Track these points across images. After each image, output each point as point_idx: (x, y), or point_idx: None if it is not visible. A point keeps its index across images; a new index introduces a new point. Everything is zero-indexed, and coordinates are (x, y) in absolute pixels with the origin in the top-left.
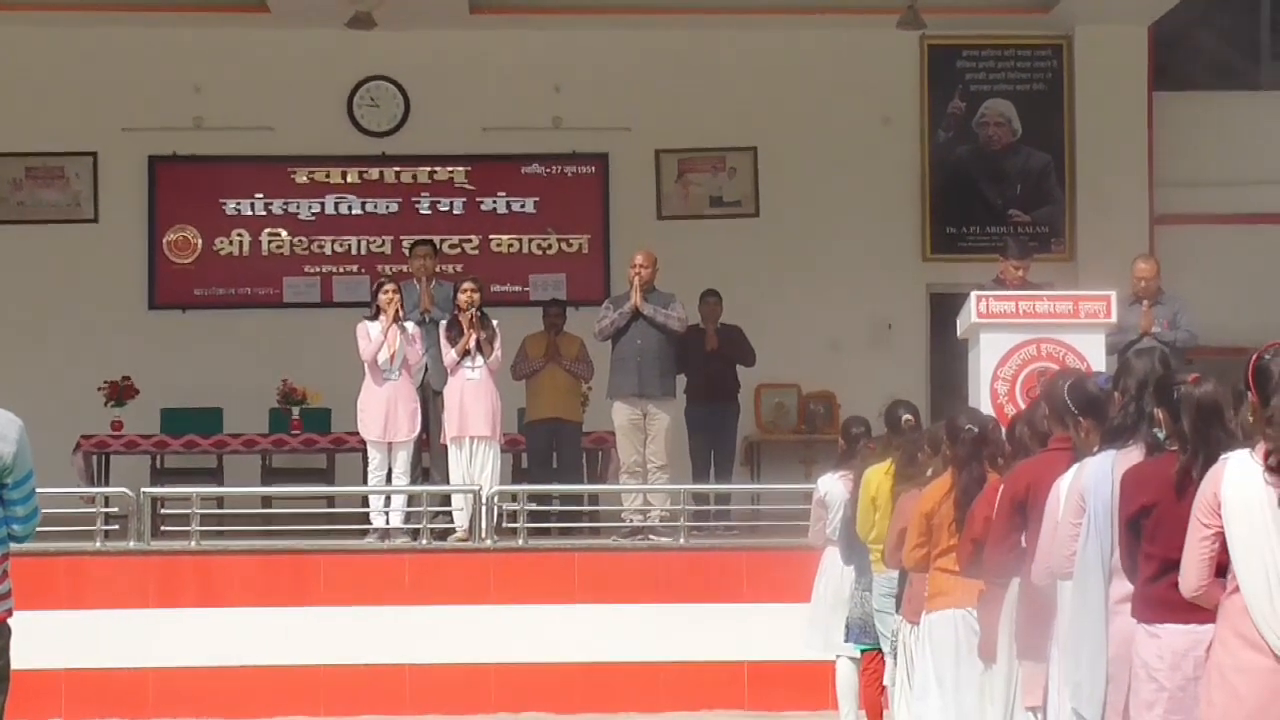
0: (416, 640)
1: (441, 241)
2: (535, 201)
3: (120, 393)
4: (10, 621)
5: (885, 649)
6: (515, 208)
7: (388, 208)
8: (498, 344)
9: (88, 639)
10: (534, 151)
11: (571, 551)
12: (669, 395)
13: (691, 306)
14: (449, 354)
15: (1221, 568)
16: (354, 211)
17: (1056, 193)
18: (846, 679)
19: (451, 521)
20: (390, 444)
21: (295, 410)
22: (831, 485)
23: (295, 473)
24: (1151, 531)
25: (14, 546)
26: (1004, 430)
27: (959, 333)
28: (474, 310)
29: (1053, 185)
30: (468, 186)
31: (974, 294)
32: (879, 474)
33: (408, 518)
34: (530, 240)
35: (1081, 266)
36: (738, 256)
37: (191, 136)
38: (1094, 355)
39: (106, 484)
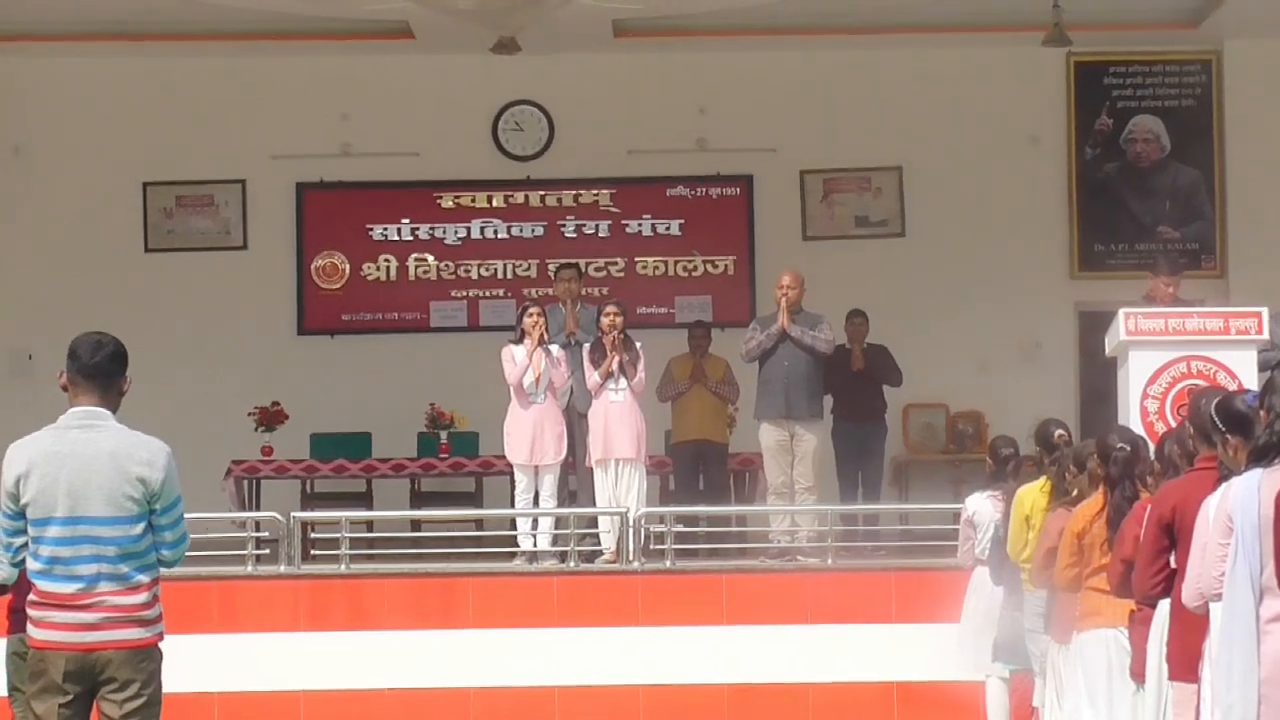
0: (565, 662)
1: (587, 264)
2: (680, 223)
3: (270, 418)
4: (161, 645)
5: (1035, 669)
6: (660, 230)
7: (533, 231)
8: (641, 366)
9: (239, 662)
10: (679, 174)
11: (719, 573)
12: (816, 416)
13: (837, 327)
14: (592, 377)
15: None
16: (500, 236)
17: (1206, 209)
18: (997, 699)
19: (599, 544)
20: (537, 467)
21: (443, 434)
22: (980, 505)
23: (443, 496)
24: None
25: (164, 571)
26: (1153, 449)
27: (1108, 350)
28: (617, 333)
29: (1203, 201)
30: (613, 209)
31: (1123, 311)
32: (1033, 492)
33: (555, 540)
34: (675, 262)
35: (1232, 283)
36: (884, 276)
37: (339, 163)
38: (1245, 372)
39: (257, 509)
